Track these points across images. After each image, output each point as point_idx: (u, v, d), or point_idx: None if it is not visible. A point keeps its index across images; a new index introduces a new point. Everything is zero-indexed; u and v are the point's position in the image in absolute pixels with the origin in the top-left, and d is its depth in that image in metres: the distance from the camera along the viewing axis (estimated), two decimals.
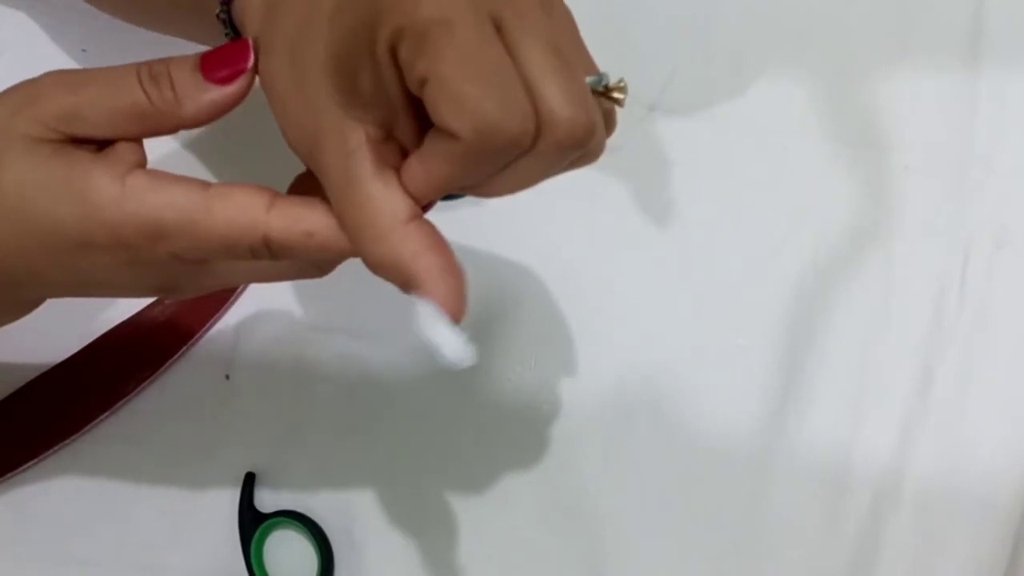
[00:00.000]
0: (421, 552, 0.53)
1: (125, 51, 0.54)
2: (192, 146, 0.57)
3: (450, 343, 0.35)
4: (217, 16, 0.40)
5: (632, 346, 0.56)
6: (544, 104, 0.33)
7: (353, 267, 0.56)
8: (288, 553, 0.53)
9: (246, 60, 0.37)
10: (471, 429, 0.55)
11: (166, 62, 0.37)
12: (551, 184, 0.58)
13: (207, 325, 0.55)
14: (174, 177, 0.37)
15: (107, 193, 0.36)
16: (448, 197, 0.40)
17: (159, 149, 0.55)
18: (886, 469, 0.55)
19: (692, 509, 0.54)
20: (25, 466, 0.53)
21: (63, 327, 0.54)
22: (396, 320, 0.56)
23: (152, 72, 0.37)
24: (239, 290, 0.55)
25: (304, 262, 0.39)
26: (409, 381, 0.55)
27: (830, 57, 0.61)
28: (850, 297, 0.57)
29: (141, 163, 0.37)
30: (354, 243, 0.35)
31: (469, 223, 0.57)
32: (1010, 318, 0.57)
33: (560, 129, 0.33)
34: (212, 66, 0.37)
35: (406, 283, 0.35)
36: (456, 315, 0.35)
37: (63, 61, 0.58)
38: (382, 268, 0.35)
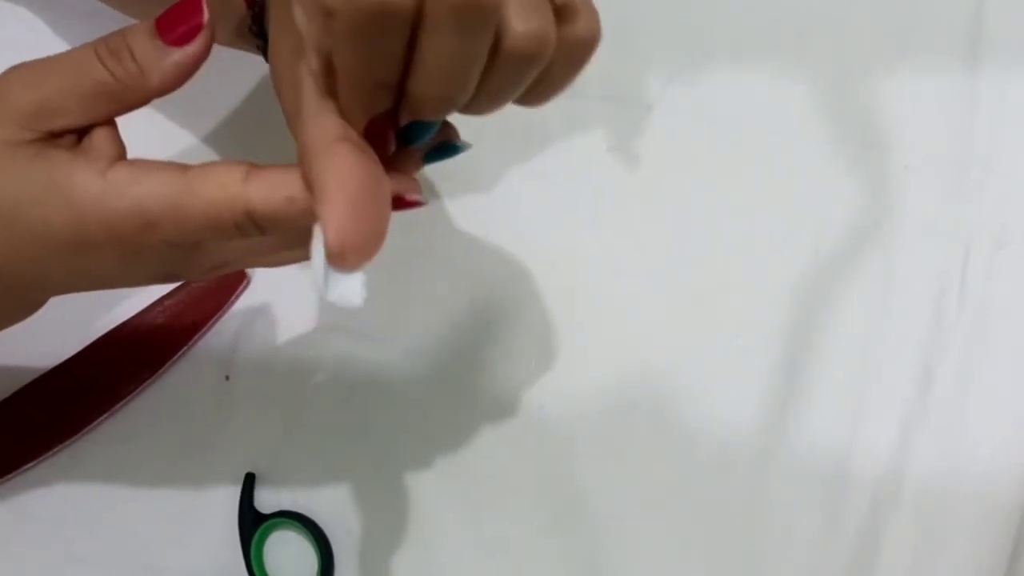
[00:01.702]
0: (421, 552, 0.53)
1: None
2: (209, 141, 0.57)
3: (320, 271, 0.33)
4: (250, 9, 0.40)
5: (632, 346, 0.56)
6: None
7: None
8: (288, 553, 0.53)
9: (200, 14, 0.36)
10: (471, 429, 0.55)
11: (122, 34, 0.37)
12: (551, 183, 0.58)
13: (207, 325, 0.55)
14: (154, 164, 0.36)
15: (92, 191, 0.36)
16: (437, 156, 0.39)
17: (174, 147, 0.56)
18: (886, 469, 0.55)
19: (692, 509, 0.54)
20: (25, 466, 0.53)
21: (63, 327, 0.54)
22: (396, 320, 0.56)
23: (111, 48, 0.37)
24: (239, 290, 0.55)
25: (295, 237, 0.38)
26: (409, 381, 0.55)
27: (830, 57, 0.61)
28: (850, 297, 0.57)
29: (120, 154, 0.37)
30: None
31: (470, 224, 0.57)
32: (1010, 318, 0.57)
33: None
34: (168, 27, 0.36)
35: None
36: (338, 241, 0.32)
37: None
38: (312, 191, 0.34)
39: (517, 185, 0.58)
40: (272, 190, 0.35)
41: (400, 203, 0.37)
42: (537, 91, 0.36)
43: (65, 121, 0.37)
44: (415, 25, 0.32)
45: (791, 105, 0.60)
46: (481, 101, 0.35)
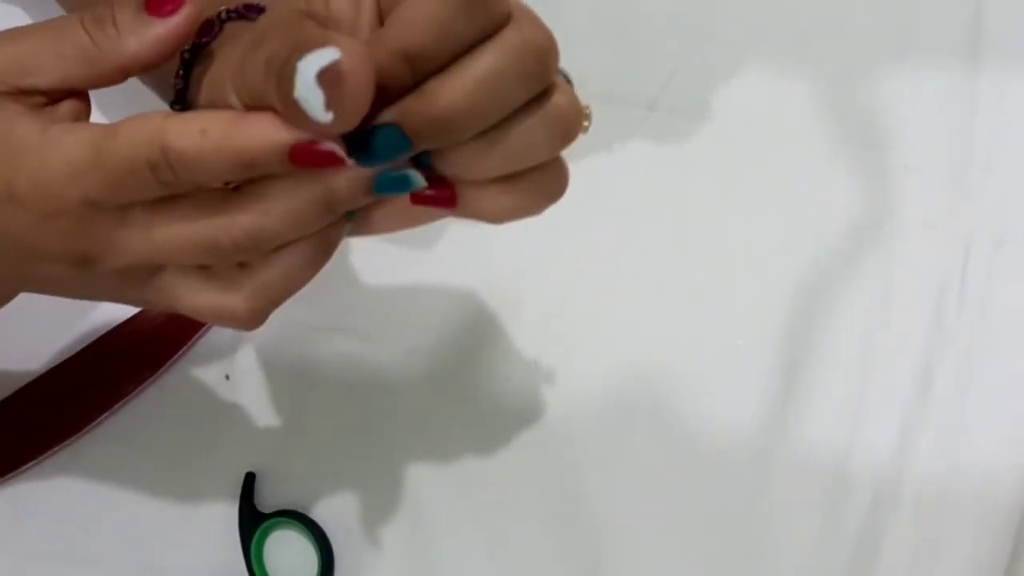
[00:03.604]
0: (421, 552, 0.53)
1: None
2: None
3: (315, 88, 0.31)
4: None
5: (632, 346, 0.56)
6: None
7: (353, 267, 0.56)
8: (288, 553, 0.53)
9: None
10: (471, 429, 0.55)
11: (110, 4, 0.37)
12: None
13: (207, 325, 0.55)
14: (94, 123, 0.36)
15: (29, 140, 0.36)
16: (389, 186, 0.36)
17: None
18: (886, 469, 0.55)
19: (692, 509, 0.54)
20: (25, 466, 0.53)
21: (63, 327, 0.54)
22: (396, 320, 0.56)
23: (96, 15, 0.37)
24: None
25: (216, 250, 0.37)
26: (409, 381, 0.55)
27: (830, 57, 0.61)
28: (850, 297, 0.57)
29: (78, 117, 0.37)
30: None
31: (469, 223, 0.57)
32: (1010, 318, 0.57)
33: (524, 24, 0.33)
34: (155, 2, 0.36)
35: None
36: (353, 62, 0.31)
37: None
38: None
39: None
40: (188, 122, 0.34)
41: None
42: (515, 188, 0.37)
43: (36, 79, 0.36)
44: (486, 35, 0.33)
45: (791, 105, 0.60)
46: (475, 148, 0.35)
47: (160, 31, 0.36)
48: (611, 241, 0.58)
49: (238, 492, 0.53)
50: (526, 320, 0.56)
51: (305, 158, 0.34)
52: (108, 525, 0.53)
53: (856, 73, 0.60)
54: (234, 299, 0.38)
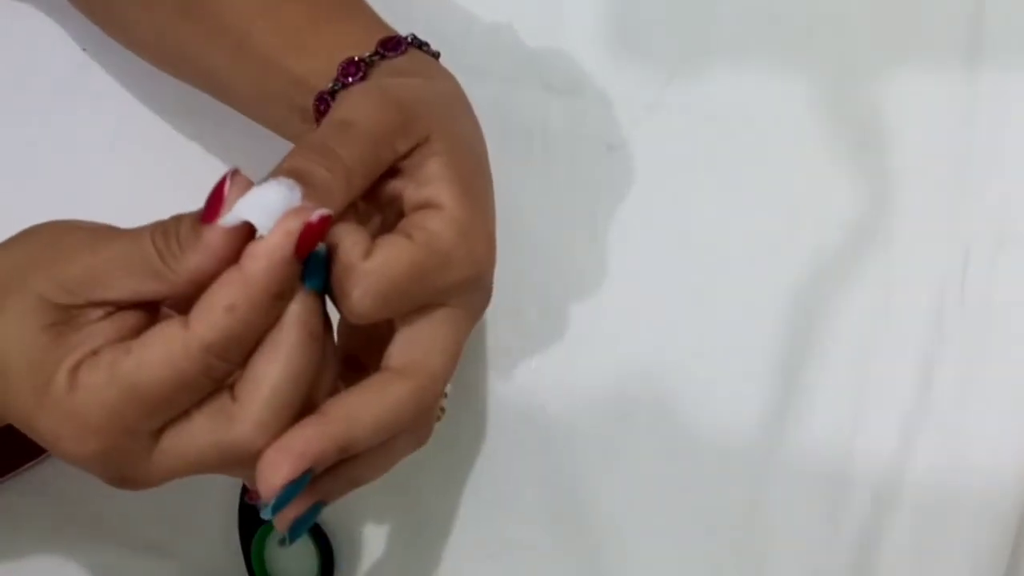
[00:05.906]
0: (421, 552, 0.53)
1: (125, 52, 0.54)
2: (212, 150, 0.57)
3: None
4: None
5: (632, 346, 0.56)
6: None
7: None
8: (288, 553, 0.53)
9: (222, 192, 0.36)
10: (471, 429, 0.55)
11: (176, 216, 0.37)
12: (551, 183, 0.58)
13: None
14: (116, 354, 0.36)
15: (57, 388, 0.36)
16: None
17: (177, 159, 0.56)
18: (886, 469, 0.55)
19: (692, 509, 0.54)
20: (25, 466, 0.53)
21: None
22: None
23: (164, 227, 0.37)
24: None
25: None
26: None
27: (830, 57, 0.61)
28: (850, 297, 0.57)
29: (142, 328, 0.37)
30: None
31: None
32: (1011, 318, 0.57)
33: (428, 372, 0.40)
34: (208, 210, 0.36)
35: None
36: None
37: (63, 61, 0.58)
38: None
39: (517, 184, 0.58)
40: (205, 313, 0.35)
41: None
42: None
43: (107, 293, 0.36)
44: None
45: (791, 105, 0.60)
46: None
47: (212, 239, 0.36)
48: (611, 240, 0.58)
49: (238, 492, 0.53)
50: (526, 320, 0.56)
51: (308, 237, 0.35)
52: (107, 525, 0.53)
53: (856, 73, 0.60)
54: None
